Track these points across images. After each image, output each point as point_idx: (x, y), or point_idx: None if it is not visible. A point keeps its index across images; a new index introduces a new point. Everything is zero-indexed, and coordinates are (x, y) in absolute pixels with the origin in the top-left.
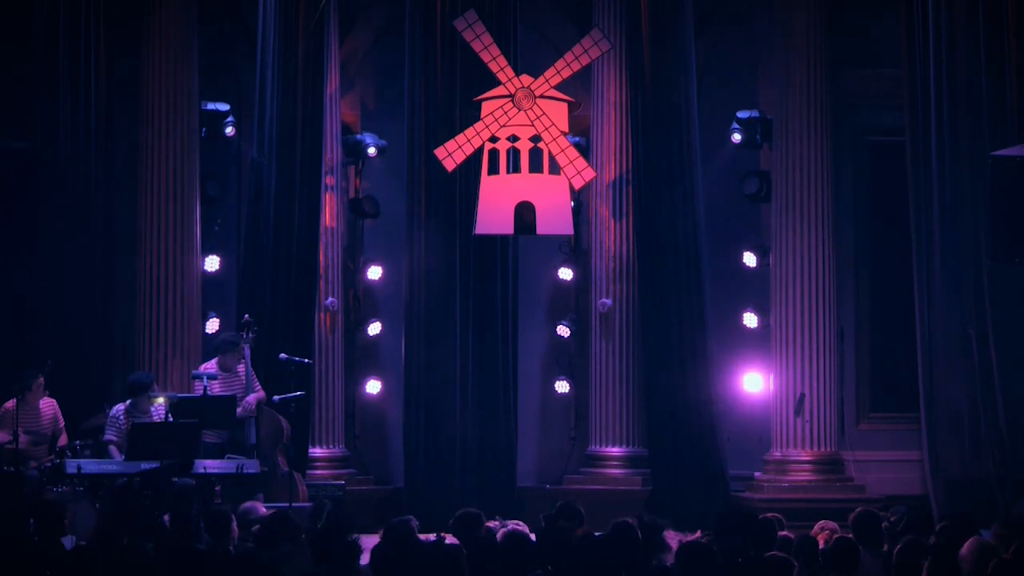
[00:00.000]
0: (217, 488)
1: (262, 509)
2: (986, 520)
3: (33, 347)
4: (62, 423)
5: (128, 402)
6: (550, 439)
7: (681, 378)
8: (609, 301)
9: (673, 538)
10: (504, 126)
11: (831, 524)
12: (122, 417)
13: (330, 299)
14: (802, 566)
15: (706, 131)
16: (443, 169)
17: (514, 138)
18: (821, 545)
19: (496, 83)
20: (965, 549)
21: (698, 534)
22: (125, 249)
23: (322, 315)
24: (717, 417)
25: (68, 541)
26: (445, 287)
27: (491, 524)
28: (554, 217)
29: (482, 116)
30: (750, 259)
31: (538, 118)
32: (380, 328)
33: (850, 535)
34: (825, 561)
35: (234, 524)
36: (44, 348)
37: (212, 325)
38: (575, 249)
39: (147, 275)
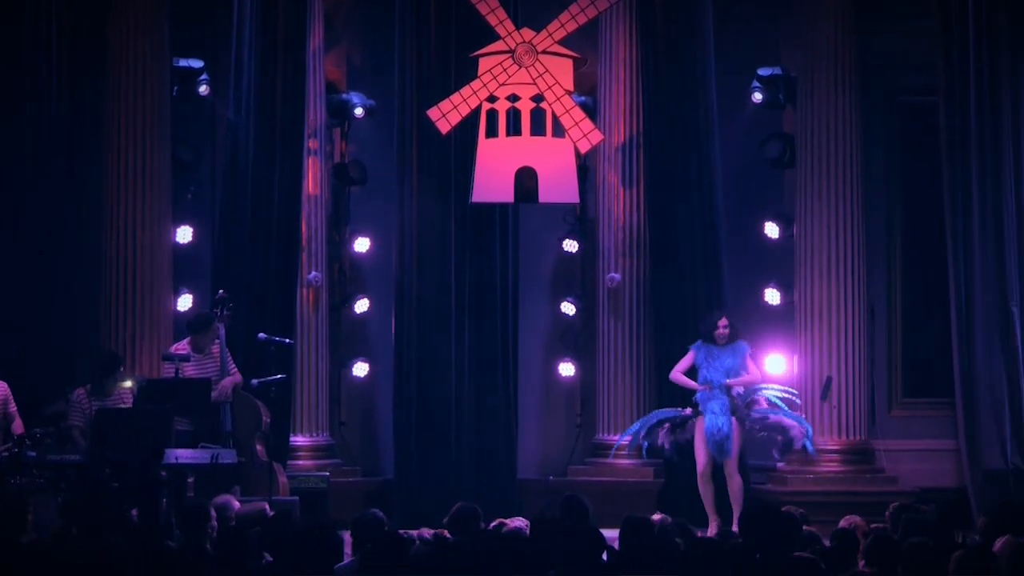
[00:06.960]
0: (190, 480)
1: (236, 504)
2: None
3: None
4: (13, 407)
5: (89, 385)
6: (553, 426)
7: None
8: (618, 275)
9: None
10: (503, 84)
11: (857, 519)
12: (84, 401)
13: (313, 273)
14: (840, 562)
15: (724, 90)
16: (437, 131)
17: (514, 97)
18: None
19: (495, 37)
20: (999, 547)
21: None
22: (90, 219)
23: (304, 291)
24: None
25: None
26: (439, 260)
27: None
28: (558, 184)
29: (479, 74)
30: (772, 230)
31: (540, 76)
32: (368, 305)
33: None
34: (864, 557)
35: (213, 520)
36: None
37: (184, 302)
38: (581, 219)
39: (113, 248)
